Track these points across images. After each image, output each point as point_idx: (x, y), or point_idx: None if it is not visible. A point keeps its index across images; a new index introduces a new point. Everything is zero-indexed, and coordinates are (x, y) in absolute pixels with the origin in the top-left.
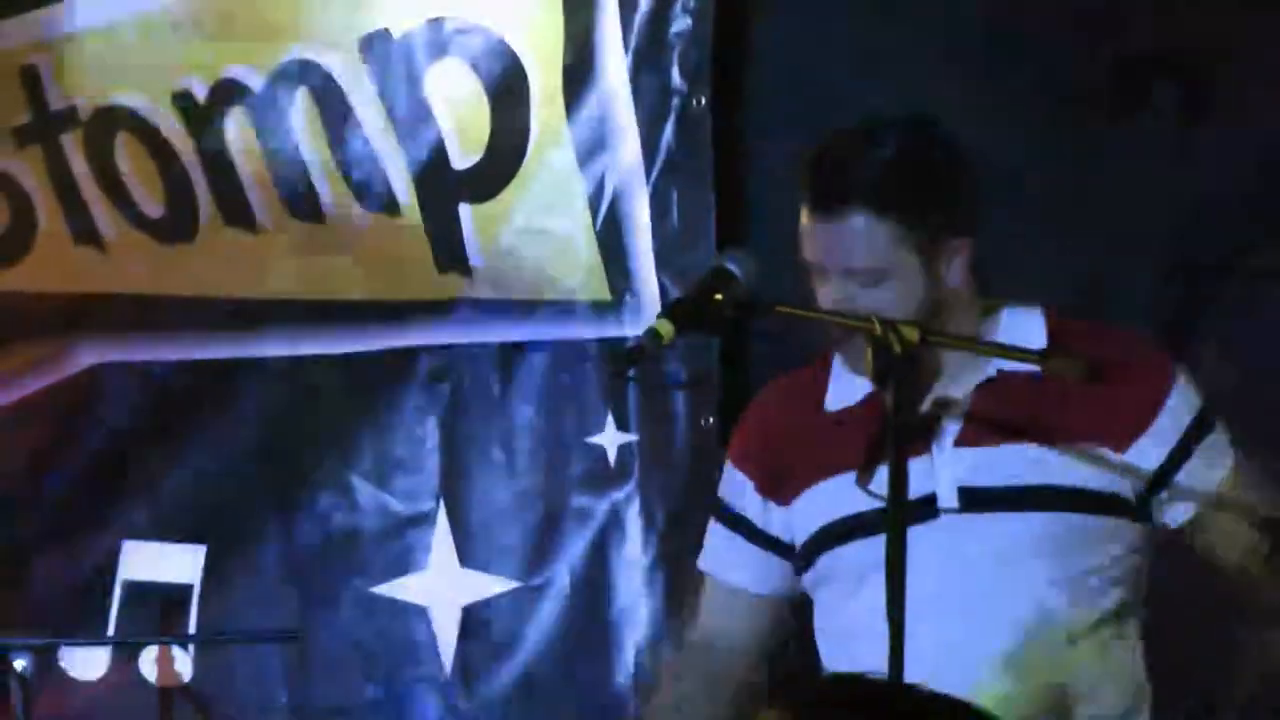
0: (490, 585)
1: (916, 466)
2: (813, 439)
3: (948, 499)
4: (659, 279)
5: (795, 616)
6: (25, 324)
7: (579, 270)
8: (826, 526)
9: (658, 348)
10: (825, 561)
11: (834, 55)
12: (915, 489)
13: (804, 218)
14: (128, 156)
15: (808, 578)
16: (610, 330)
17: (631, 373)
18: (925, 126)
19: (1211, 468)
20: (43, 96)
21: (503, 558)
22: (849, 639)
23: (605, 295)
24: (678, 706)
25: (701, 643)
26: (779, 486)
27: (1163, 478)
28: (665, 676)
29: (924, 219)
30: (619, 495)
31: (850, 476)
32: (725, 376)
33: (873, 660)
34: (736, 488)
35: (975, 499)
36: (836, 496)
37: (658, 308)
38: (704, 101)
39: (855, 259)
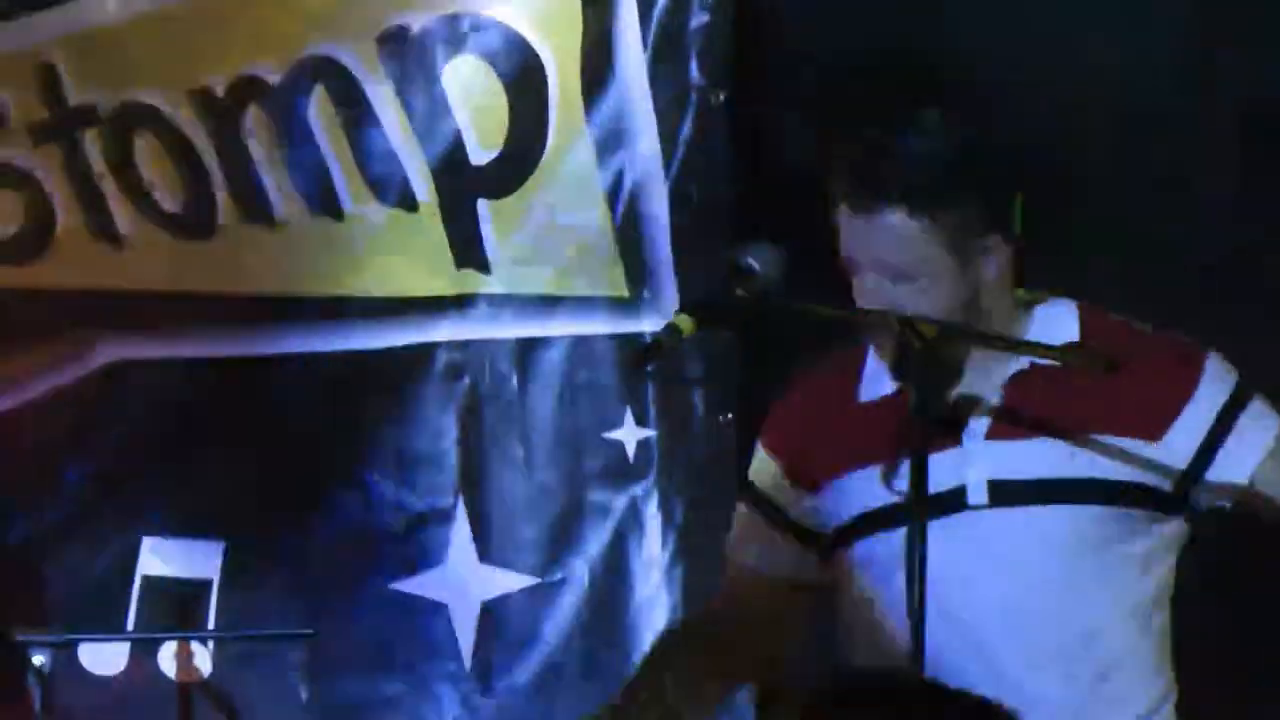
0: (509, 581)
1: (946, 459)
2: (844, 429)
3: (977, 492)
4: (677, 275)
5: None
6: (44, 321)
7: (597, 266)
8: (853, 518)
9: (676, 343)
10: (851, 553)
11: (855, 49)
12: (944, 482)
13: (838, 213)
14: (146, 153)
15: (835, 568)
16: (628, 326)
17: (650, 368)
18: (959, 124)
19: (1255, 436)
20: (61, 93)
21: (521, 553)
22: (874, 631)
23: (624, 291)
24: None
25: (705, 626)
26: (808, 474)
27: (1203, 459)
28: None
29: (959, 216)
30: (638, 490)
31: (878, 469)
32: (744, 372)
33: (897, 653)
34: (766, 472)
35: (1005, 492)
36: (864, 488)
37: (676, 303)
38: (722, 96)
39: (889, 256)
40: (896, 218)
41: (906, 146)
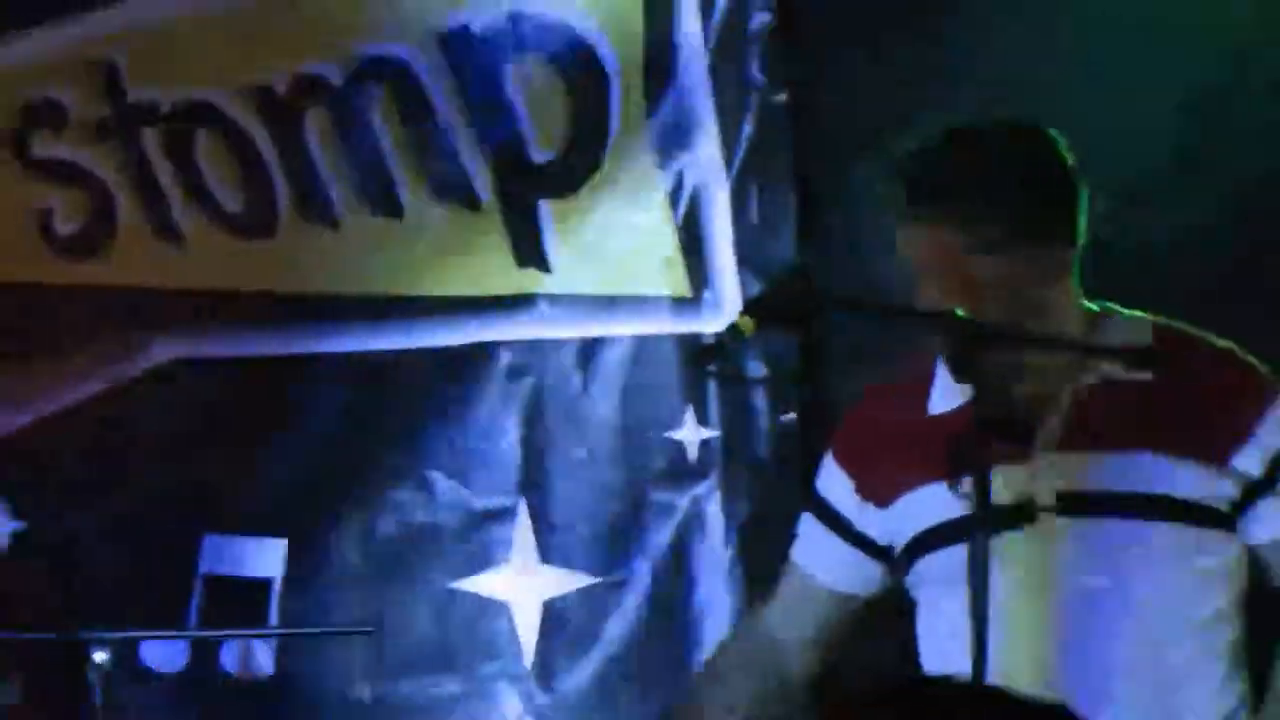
0: (571, 580)
1: (1015, 472)
2: (914, 443)
3: (1046, 504)
4: (739, 275)
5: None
6: (104, 319)
7: (659, 265)
8: (924, 531)
9: (738, 343)
10: (922, 566)
11: (915, 51)
12: (1013, 494)
13: (898, 217)
14: (207, 152)
15: (908, 581)
16: (690, 326)
17: (712, 368)
18: (1023, 131)
19: None
20: (122, 90)
21: (583, 553)
22: (945, 642)
23: (685, 291)
24: (730, 707)
25: (767, 633)
26: (878, 488)
27: (1254, 494)
28: (722, 665)
29: (1001, 223)
30: (699, 490)
31: (947, 482)
32: (806, 372)
33: (963, 666)
34: (835, 485)
35: (1074, 504)
36: (934, 502)
37: (737, 303)
38: (783, 96)
39: (930, 261)
40: (954, 223)
41: (966, 151)
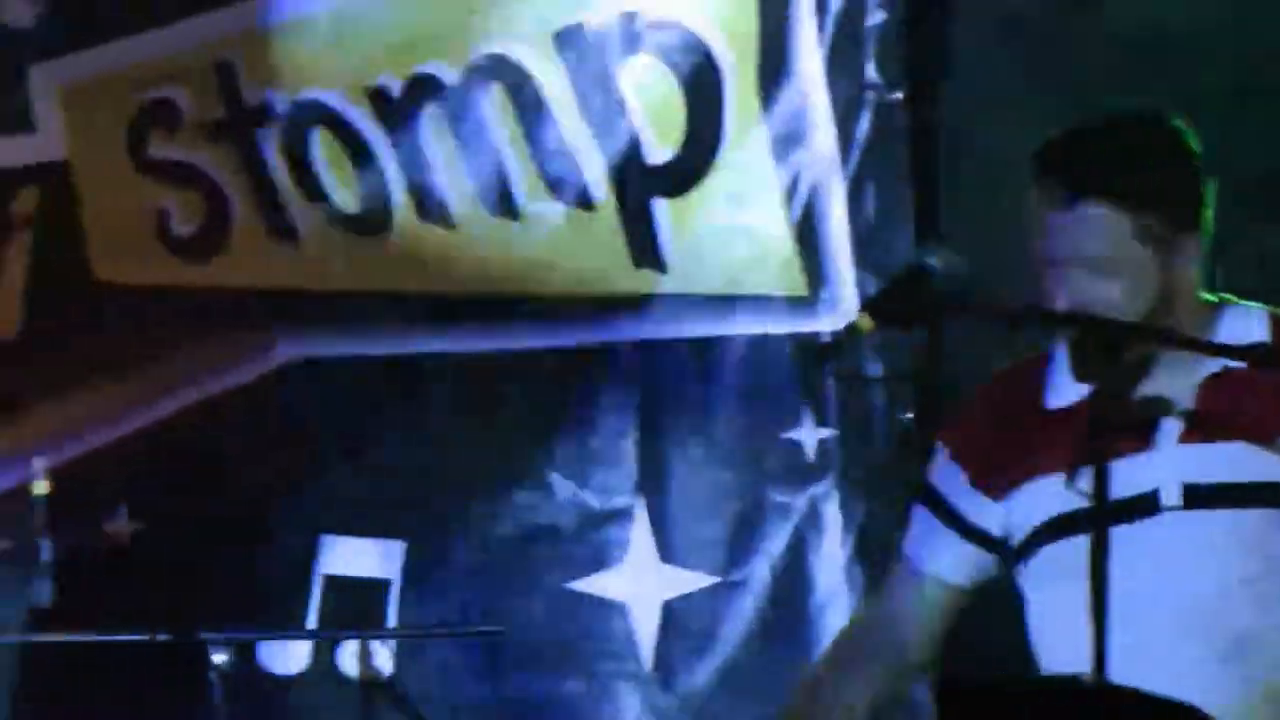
0: (690, 581)
1: (1136, 464)
2: (1030, 435)
3: (1171, 496)
4: (856, 274)
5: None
6: (221, 320)
7: (775, 265)
8: (1040, 524)
9: (856, 342)
10: (1038, 560)
11: (1030, 47)
12: (1135, 486)
13: (1037, 211)
14: (322, 152)
15: (1022, 574)
16: (806, 325)
17: (829, 368)
18: (1158, 120)
19: None
20: (238, 91)
21: (702, 553)
22: (1062, 638)
23: (801, 290)
24: (845, 705)
25: (879, 627)
26: (993, 481)
27: None
28: (835, 660)
29: (1157, 212)
30: (817, 491)
31: (1065, 474)
32: (924, 371)
33: (1083, 660)
34: (949, 477)
35: (1200, 496)
36: (1051, 494)
37: (854, 302)
38: (899, 95)
39: (1088, 250)
40: (1095, 210)
41: (1105, 141)
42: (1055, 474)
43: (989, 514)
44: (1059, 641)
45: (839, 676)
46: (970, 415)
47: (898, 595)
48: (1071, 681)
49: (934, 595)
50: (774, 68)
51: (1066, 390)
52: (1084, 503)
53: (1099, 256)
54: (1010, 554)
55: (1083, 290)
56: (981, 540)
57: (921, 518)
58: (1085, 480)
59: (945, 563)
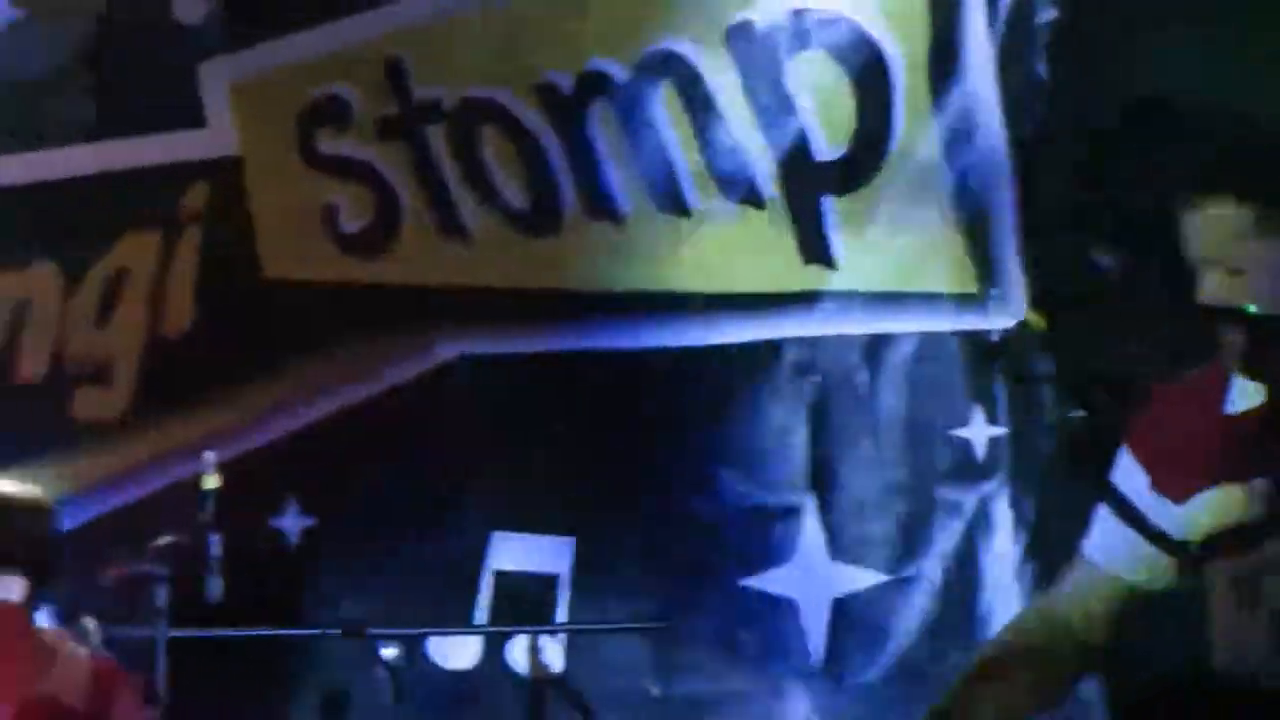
0: (860, 577)
1: None
2: (1210, 441)
3: None
4: (1025, 271)
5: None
6: (388, 316)
7: (944, 262)
8: (1220, 531)
9: (1027, 340)
10: (1218, 565)
11: (1196, 46)
12: None
13: (1181, 209)
14: (491, 149)
15: (1204, 578)
16: (976, 322)
17: (999, 365)
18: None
19: None
20: (407, 88)
21: (872, 550)
22: (1241, 640)
23: (970, 287)
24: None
25: (1053, 624)
26: (1173, 485)
27: None
28: (1001, 658)
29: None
30: (987, 489)
31: (1246, 482)
32: (1095, 368)
33: (1262, 662)
34: (1130, 478)
35: None
36: (1230, 502)
37: (1023, 300)
38: (1068, 92)
39: (1222, 248)
40: (1226, 207)
41: (1244, 139)
42: (1235, 482)
43: (1170, 517)
44: (1241, 645)
45: (1010, 671)
46: (1152, 417)
47: (1075, 592)
48: (1250, 683)
49: (1113, 593)
50: (944, 65)
51: (1244, 396)
52: (1264, 511)
53: (1235, 256)
54: (1190, 558)
55: (1224, 287)
56: (1162, 542)
57: (1103, 517)
58: (1262, 488)
59: (1125, 563)
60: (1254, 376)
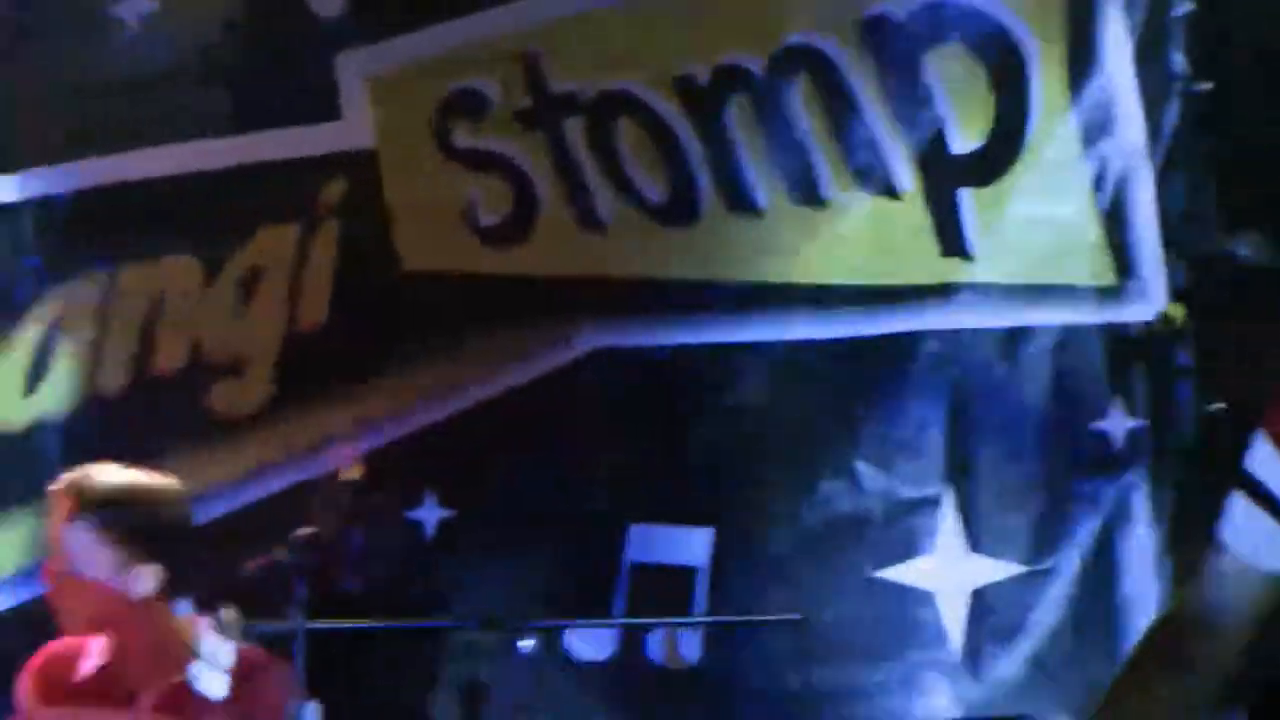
0: (998, 570)
1: None
2: None
3: None
4: (1165, 263)
5: None
6: (526, 307)
7: (1082, 254)
8: None
9: (1168, 332)
10: None
11: None
12: None
13: None
14: (628, 141)
15: None
16: (1116, 315)
17: (1139, 358)
18: None
19: None
20: (543, 81)
21: (1009, 542)
22: None
23: (1110, 279)
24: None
25: (1193, 620)
26: None
27: None
28: (1144, 664)
29: None
30: (1127, 481)
31: None
32: (1235, 360)
33: None
34: (1267, 464)
35: None
36: None
37: (1162, 292)
38: (1207, 85)
39: None
40: None
41: None
42: None
43: None
44: None
45: (1156, 672)
46: None
47: (1217, 584)
48: None
49: (1253, 585)
50: (1081, 57)
51: None
52: None
53: None
54: None
55: None
56: None
57: (1239, 505)
58: None
59: (1265, 551)
60: None
